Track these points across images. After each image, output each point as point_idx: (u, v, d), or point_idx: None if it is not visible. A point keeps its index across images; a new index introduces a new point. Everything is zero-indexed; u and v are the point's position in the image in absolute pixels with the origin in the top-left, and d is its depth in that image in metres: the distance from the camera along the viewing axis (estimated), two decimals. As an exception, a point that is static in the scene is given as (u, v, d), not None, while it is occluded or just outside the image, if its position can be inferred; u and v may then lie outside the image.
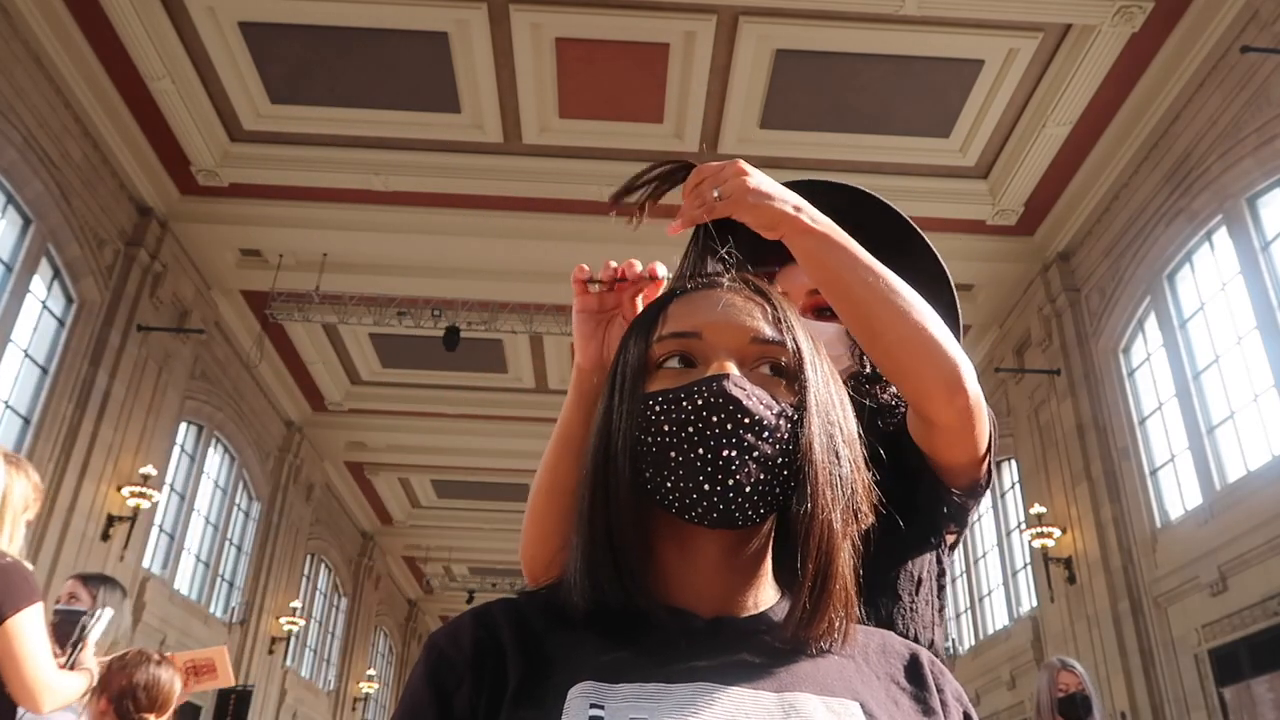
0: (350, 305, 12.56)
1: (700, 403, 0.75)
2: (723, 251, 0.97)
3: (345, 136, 10.60)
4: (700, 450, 0.74)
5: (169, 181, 11.33)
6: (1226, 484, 9.24)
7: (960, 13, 8.91)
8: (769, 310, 0.82)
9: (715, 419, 0.74)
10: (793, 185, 1.35)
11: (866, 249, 1.39)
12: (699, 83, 9.76)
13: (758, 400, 0.76)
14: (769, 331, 0.80)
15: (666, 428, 0.75)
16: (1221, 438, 9.47)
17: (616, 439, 0.78)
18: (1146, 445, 10.65)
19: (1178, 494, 10.12)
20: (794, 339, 0.81)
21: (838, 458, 0.78)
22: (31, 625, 2.26)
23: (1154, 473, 10.52)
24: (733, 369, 0.77)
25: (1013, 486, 13.84)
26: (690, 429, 0.74)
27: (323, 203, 11.44)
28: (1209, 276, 9.73)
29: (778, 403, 0.77)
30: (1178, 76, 9.33)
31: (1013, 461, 13.63)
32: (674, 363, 0.79)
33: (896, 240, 1.38)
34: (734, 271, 0.88)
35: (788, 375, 0.79)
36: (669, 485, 0.75)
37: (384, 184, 11.07)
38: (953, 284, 1.42)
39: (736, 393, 0.75)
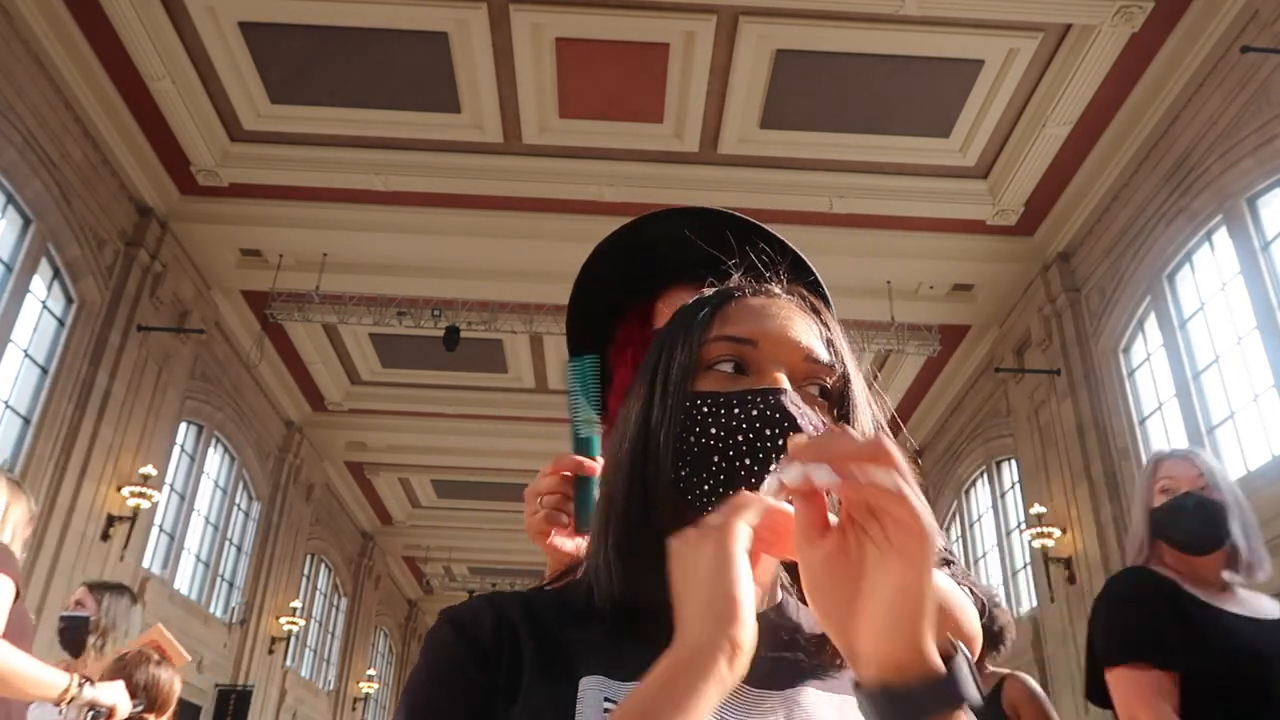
0: (350, 305, 12.56)
1: (755, 413, 0.74)
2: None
3: (345, 136, 10.60)
4: (747, 460, 0.74)
5: (169, 181, 11.33)
6: (1226, 484, 9.23)
7: (960, 13, 8.90)
8: (821, 330, 0.82)
9: (768, 432, 0.74)
10: (666, 213, 1.25)
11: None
12: (699, 83, 9.75)
13: (808, 420, 0.76)
14: (822, 352, 0.80)
15: (714, 430, 0.75)
16: (1221, 438, 9.47)
17: (658, 435, 0.77)
18: (1146, 445, 10.63)
19: (1178, 494, 10.10)
20: (842, 363, 0.81)
21: None
22: None
23: (1154, 473, 10.50)
24: (787, 384, 0.77)
25: (1013, 486, 13.82)
26: (740, 437, 0.74)
27: (323, 203, 11.43)
28: (1209, 276, 9.72)
29: (823, 425, 0.77)
30: (1178, 76, 9.33)
31: (1013, 461, 13.62)
32: (726, 366, 0.78)
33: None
34: (787, 283, 0.87)
35: (830, 398, 0.80)
36: (707, 488, 0.75)
37: (384, 184, 11.07)
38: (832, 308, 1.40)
39: (793, 410, 0.75)
